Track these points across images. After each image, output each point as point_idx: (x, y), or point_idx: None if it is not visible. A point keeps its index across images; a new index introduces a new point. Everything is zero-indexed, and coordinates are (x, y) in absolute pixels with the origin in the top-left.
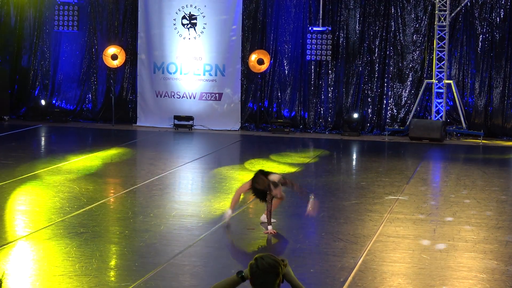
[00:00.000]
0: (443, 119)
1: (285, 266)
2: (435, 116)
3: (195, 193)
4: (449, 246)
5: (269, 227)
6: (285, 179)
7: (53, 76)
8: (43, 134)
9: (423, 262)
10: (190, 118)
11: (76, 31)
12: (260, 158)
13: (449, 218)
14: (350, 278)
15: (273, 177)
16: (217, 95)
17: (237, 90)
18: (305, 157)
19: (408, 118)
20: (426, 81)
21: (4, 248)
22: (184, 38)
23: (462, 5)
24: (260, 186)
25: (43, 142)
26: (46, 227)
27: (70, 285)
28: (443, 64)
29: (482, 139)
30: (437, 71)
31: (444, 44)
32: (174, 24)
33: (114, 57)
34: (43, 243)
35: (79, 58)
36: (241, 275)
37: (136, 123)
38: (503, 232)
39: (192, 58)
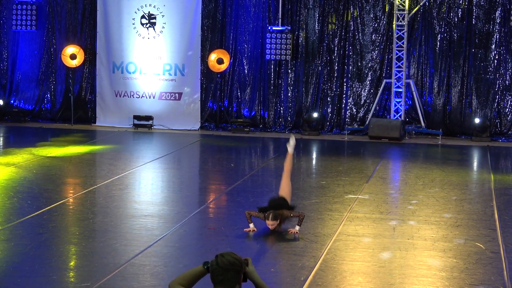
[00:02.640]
0: (402, 118)
1: (247, 265)
2: (394, 115)
3: (155, 193)
4: (409, 245)
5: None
6: (294, 213)
7: (11, 76)
8: (1, 134)
9: (383, 260)
10: (149, 117)
11: (35, 31)
12: (218, 157)
13: (409, 217)
14: (310, 277)
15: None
16: (176, 94)
17: (197, 90)
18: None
19: (368, 117)
20: (385, 80)
21: None
22: (143, 37)
23: (421, 4)
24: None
25: (1, 142)
26: (4, 227)
27: (29, 286)
28: (402, 64)
29: (441, 138)
30: (396, 71)
31: (402, 43)
32: (133, 24)
33: (73, 56)
34: (1, 244)
35: (38, 57)
36: (207, 266)
37: (95, 123)
38: (462, 230)
39: (151, 58)
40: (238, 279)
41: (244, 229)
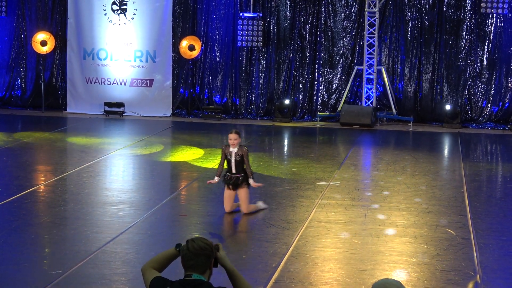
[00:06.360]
0: (374, 105)
1: (218, 250)
2: (366, 102)
3: (126, 180)
4: (380, 231)
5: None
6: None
7: None
8: None
9: (354, 247)
10: (121, 104)
11: (5, 17)
12: (190, 144)
13: (380, 203)
14: (282, 264)
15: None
16: (148, 81)
17: (168, 77)
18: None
19: (339, 104)
20: (356, 67)
21: None
22: (114, 24)
23: None
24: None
25: None
26: None
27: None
28: (373, 50)
29: (412, 125)
30: (367, 57)
31: (374, 30)
32: (104, 10)
33: (44, 43)
34: None
35: (8, 44)
36: (179, 248)
37: (66, 110)
38: (432, 217)
39: (122, 44)
40: (209, 264)
41: (208, 181)
